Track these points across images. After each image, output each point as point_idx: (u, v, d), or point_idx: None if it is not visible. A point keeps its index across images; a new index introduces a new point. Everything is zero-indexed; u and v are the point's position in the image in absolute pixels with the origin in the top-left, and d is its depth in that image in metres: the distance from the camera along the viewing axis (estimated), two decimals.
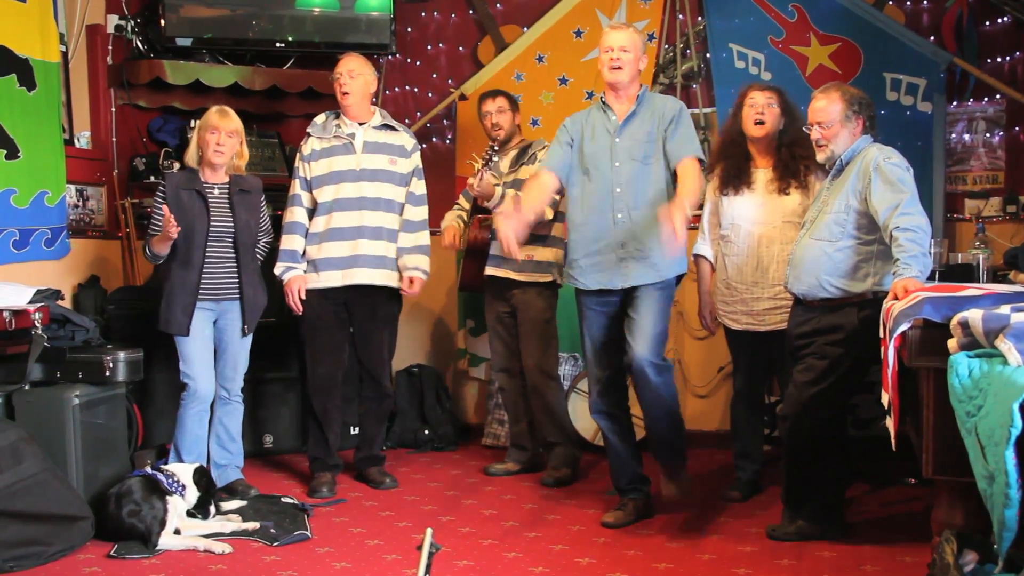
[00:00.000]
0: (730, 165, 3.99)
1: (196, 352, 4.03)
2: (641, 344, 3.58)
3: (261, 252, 4.27)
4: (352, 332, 4.30)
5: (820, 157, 3.50)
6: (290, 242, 4.21)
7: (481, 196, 4.25)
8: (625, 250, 3.61)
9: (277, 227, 4.33)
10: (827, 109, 3.42)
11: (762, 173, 3.95)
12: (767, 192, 3.92)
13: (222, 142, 4.02)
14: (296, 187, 4.25)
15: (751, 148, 3.97)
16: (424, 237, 4.31)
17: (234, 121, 4.08)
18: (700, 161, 3.60)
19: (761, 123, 3.89)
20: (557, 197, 4.01)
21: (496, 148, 4.25)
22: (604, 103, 3.73)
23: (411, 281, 4.25)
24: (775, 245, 3.89)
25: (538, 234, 4.30)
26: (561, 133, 3.79)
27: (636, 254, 3.61)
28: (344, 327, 4.28)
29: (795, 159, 3.88)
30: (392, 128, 4.31)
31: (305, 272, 4.21)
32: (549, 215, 4.27)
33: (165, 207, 3.90)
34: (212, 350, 4.10)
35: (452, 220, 4.61)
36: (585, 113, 3.81)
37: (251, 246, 4.15)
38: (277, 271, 4.19)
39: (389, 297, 4.30)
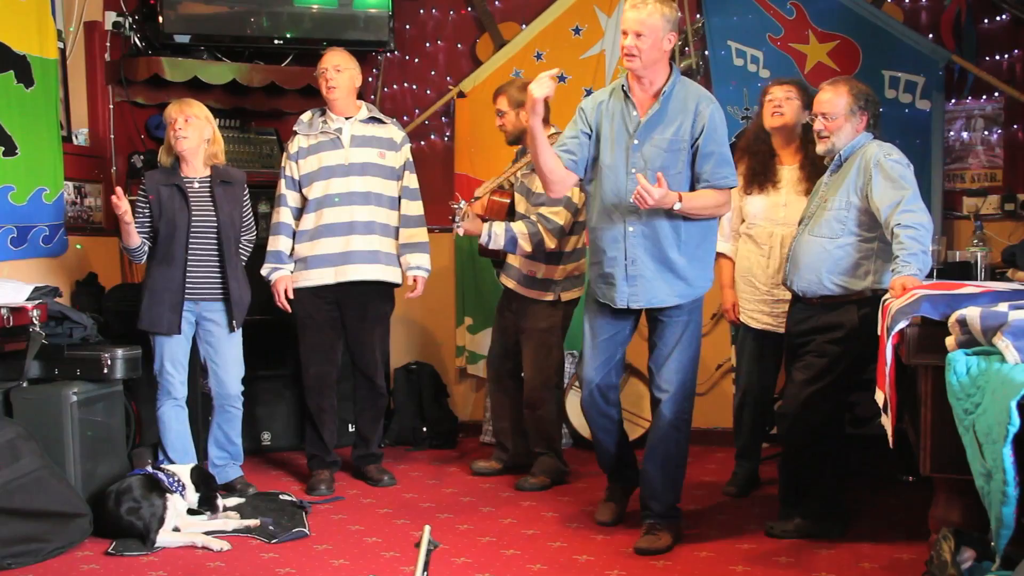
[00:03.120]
0: (755, 162, 3.94)
1: (175, 351, 4.01)
2: (663, 378, 3.41)
3: (244, 251, 4.23)
4: (344, 331, 4.30)
5: (820, 149, 3.50)
6: (276, 243, 4.19)
7: (468, 234, 4.15)
8: (635, 267, 3.33)
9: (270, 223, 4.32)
10: (833, 101, 3.41)
11: (787, 171, 3.90)
12: (793, 192, 3.86)
13: (180, 126, 3.98)
14: (282, 187, 4.24)
15: (775, 144, 3.93)
16: (423, 233, 4.30)
17: (193, 105, 4.04)
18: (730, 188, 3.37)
19: (780, 114, 3.84)
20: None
21: (460, 206, 4.04)
22: (626, 92, 3.38)
23: (415, 280, 4.24)
24: None
25: (550, 251, 4.18)
26: (579, 119, 3.44)
27: (647, 272, 3.34)
28: (336, 326, 4.27)
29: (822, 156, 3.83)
30: (380, 121, 4.29)
31: (296, 271, 4.20)
32: (551, 244, 4.09)
33: (117, 188, 3.90)
34: (189, 349, 4.08)
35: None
36: (606, 93, 3.45)
37: (235, 241, 4.10)
38: (264, 272, 4.17)
39: (380, 296, 4.29)
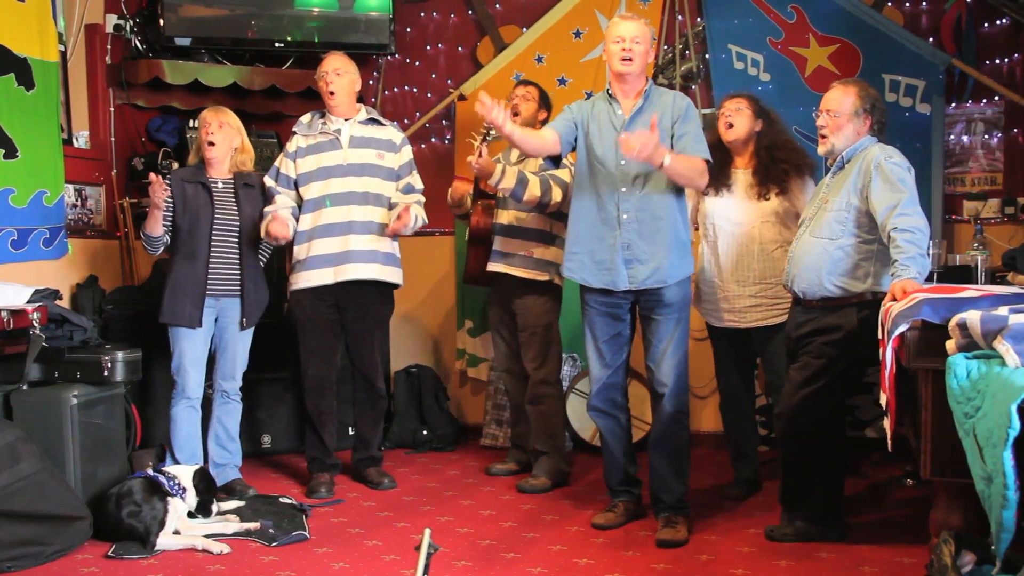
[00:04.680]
0: (713, 166, 4.02)
1: (193, 348, 4.04)
2: (663, 372, 3.62)
3: (264, 252, 4.27)
4: (344, 334, 4.30)
5: (820, 149, 3.51)
6: (274, 201, 4.16)
7: (481, 173, 4.08)
8: (631, 251, 3.55)
9: None
10: (840, 100, 3.43)
11: (741, 174, 4.02)
12: (744, 195, 3.99)
13: (212, 131, 4.07)
14: (267, 182, 4.19)
15: (731, 152, 4.06)
16: (419, 196, 4.28)
17: (227, 114, 4.14)
18: (707, 162, 3.59)
19: (731, 126, 3.98)
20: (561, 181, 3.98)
21: (489, 136, 4.09)
22: (610, 95, 3.65)
23: (405, 209, 4.14)
24: (755, 244, 3.96)
25: (543, 231, 4.26)
26: (566, 112, 3.70)
27: (642, 256, 3.55)
28: (336, 328, 4.27)
29: (775, 162, 3.95)
30: (378, 123, 4.30)
31: (295, 272, 4.20)
32: (558, 196, 4.10)
33: (152, 174, 3.96)
34: (208, 348, 4.11)
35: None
36: (590, 103, 3.72)
37: (255, 241, 4.16)
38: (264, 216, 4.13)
39: (380, 298, 4.29)
